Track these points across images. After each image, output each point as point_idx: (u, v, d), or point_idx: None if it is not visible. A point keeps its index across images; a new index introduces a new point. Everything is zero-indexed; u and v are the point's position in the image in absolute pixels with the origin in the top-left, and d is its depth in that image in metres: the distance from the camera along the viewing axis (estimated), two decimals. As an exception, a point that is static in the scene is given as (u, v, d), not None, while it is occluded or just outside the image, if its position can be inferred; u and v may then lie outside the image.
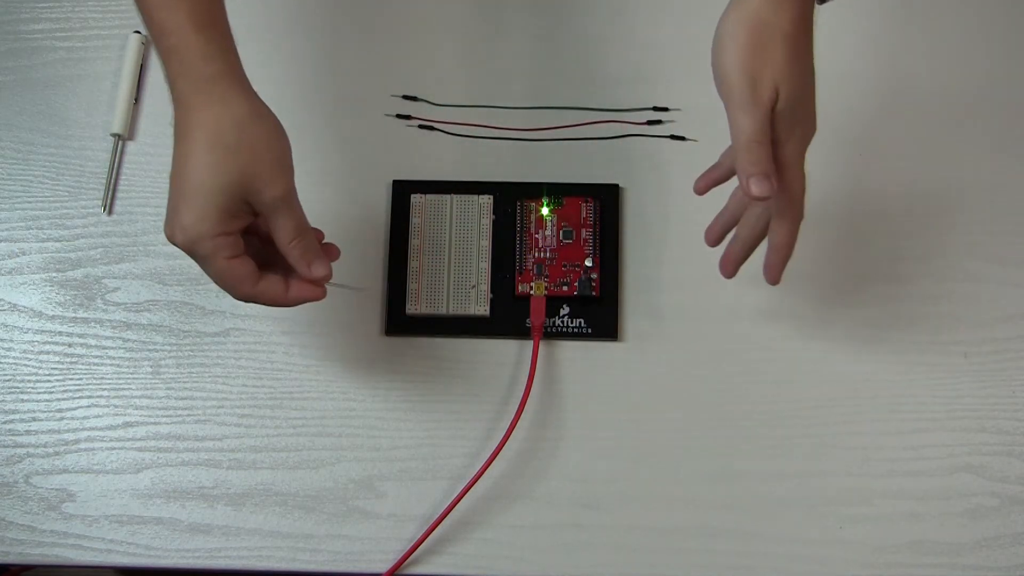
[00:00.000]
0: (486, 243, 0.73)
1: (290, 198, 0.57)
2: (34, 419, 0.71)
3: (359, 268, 0.73)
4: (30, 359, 0.73)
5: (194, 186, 0.55)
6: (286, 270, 0.60)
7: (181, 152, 0.56)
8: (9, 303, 0.74)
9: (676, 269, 0.73)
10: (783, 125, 0.56)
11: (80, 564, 0.69)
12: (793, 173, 0.57)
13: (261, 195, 0.56)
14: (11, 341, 0.73)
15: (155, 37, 0.57)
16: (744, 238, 0.64)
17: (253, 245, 0.59)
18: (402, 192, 0.74)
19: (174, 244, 0.57)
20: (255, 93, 0.58)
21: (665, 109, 0.76)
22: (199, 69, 0.55)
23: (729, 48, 0.55)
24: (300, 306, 0.73)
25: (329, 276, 0.61)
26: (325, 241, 0.63)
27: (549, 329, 0.71)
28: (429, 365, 0.72)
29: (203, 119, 0.55)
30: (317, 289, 0.61)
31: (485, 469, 0.68)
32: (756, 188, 0.55)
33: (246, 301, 0.60)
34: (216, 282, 0.59)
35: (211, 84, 0.56)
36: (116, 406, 0.72)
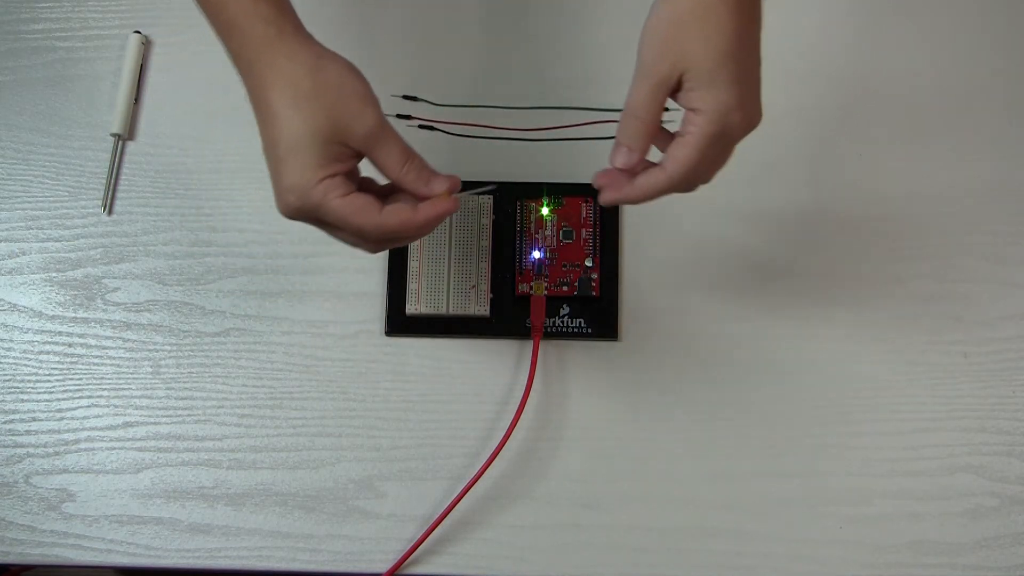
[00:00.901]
0: (486, 243, 0.73)
1: (384, 127, 0.56)
2: (34, 419, 0.71)
3: (359, 268, 0.74)
4: (30, 359, 0.73)
5: (287, 144, 0.54)
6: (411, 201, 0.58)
7: (264, 118, 0.55)
8: (9, 303, 0.74)
9: (676, 269, 0.73)
10: (686, 103, 0.54)
11: (80, 564, 0.69)
12: (683, 153, 0.55)
13: (353, 131, 0.55)
14: (11, 341, 0.73)
15: (212, 16, 0.57)
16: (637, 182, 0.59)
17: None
18: (402, 192, 0.74)
19: (289, 214, 0.56)
20: (318, 42, 0.57)
21: (665, 109, 0.76)
22: (260, 34, 0.55)
23: (649, 18, 0.55)
24: (299, 306, 0.73)
25: (455, 186, 0.58)
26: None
27: (549, 329, 0.71)
28: (429, 365, 0.72)
29: (274, 79, 0.55)
30: (447, 200, 0.57)
31: (485, 469, 0.68)
32: (616, 158, 0.56)
33: (382, 241, 0.58)
34: (343, 235, 0.57)
35: (274, 45, 0.55)
36: (116, 406, 0.72)
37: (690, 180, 0.56)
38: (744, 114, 0.54)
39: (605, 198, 0.58)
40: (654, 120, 0.55)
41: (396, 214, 0.56)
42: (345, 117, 0.55)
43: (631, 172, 0.57)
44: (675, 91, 0.55)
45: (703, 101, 0.54)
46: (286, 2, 0.57)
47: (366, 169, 0.58)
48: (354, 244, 0.58)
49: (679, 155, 0.55)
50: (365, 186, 0.58)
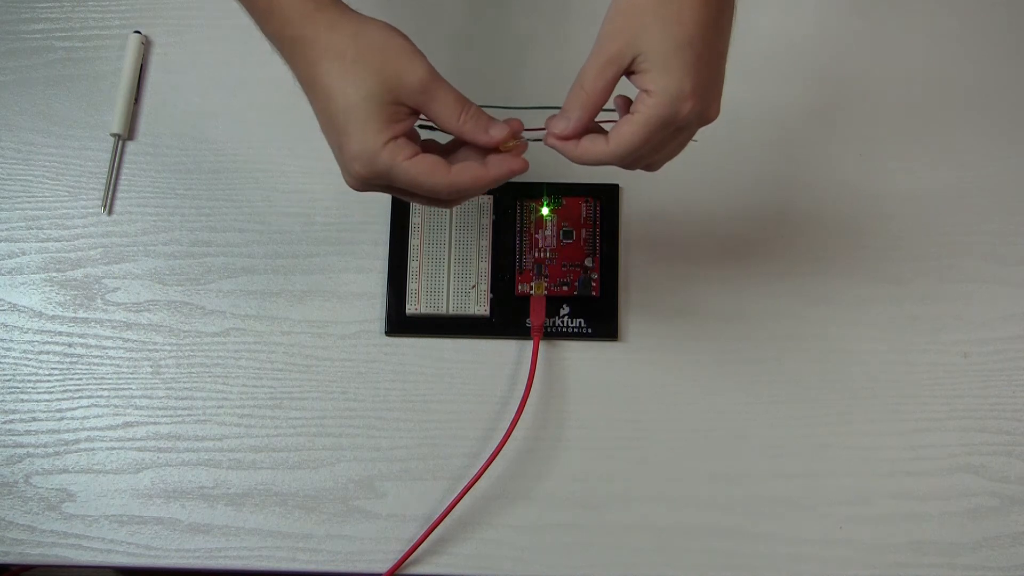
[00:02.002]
0: (486, 243, 0.73)
1: (435, 78, 0.56)
2: (34, 419, 0.71)
3: (359, 268, 0.74)
4: (30, 359, 0.73)
5: (344, 113, 0.54)
6: (475, 157, 0.58)
7: (316, 95, 0.56)
8: (9, 303, 0.74)
9: (676, 269, 0.73)
10: (640, 83, 0.54)
11: (80, 564, 0.69)
12: (628, 130, 0.55)
13: (405, 86, 0.55)
14: (11, 341, 0.73)
15: (248, 2, 0.57)
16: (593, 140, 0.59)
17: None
18: (402, 192, 0.74)
19: (359, 186, 0.56)
20: (354, 10, 0.57)
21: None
22: (301, 9, 0.55)
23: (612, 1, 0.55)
24: (299, 305, 0.73)
25: (515, 132, 0.58)
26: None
27: (549, 329, 0.71)
28: (429, 365, 0.72)
29: (319, 54, 0.55)
30: (516, 160, 0.58)
31: (485, 469, 0.68)
32: (554, 123, 0.57)
33: (453, 198, 0.58)
34: (415, 196, 0.57)
35: (314, 19, 0.55)
36: (116, 406, 0.72)
37: (632, 158, 0.56)
38: (697, 103, 0.54)
39: (548, 140, 0.58)
40: (597, 95, 0.55)
41: (467, 171, 0.56)
42: (395, 75, 0.55)
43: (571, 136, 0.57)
44: (631, 72, 0.55)
45: (654, 83, 0.54)
46: None
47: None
48: (427, 203, 0.59)
49: (624, 131, 0.55)
50: (427, 147, 0.58)
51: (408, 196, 0.58)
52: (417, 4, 0.80)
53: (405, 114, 0.56)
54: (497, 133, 0.57)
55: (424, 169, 0.55)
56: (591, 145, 0.56)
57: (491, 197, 0.73)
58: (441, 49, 0.78)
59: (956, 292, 0.72)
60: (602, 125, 0.57)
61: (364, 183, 0.56)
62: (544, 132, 0.65)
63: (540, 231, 0.73)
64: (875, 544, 0.68)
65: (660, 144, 0.56)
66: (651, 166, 0.59)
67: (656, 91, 0.54)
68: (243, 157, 0.76)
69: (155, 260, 0.74)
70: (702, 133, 0.75)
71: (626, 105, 0.57)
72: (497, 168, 0.57)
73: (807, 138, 0.76)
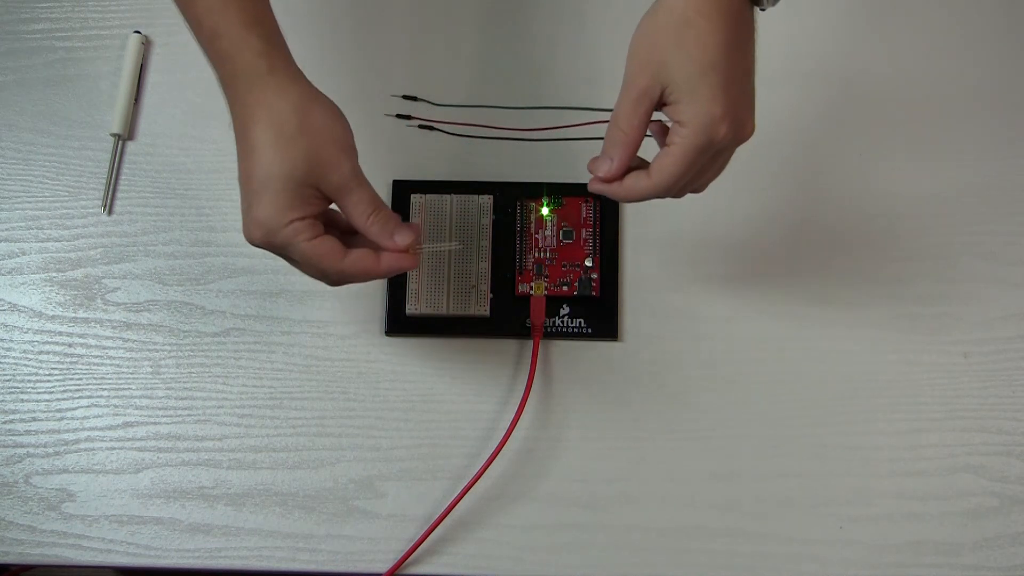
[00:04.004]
0: (486, 243, 0.73)
1: (357, 176, 0.57)
2: (34, 419, 0.71)
3: (359, 268, 0.74)
4: (30, 359, 0.73)
5: (262, 180, 0.55)
6: (375, 247, 0.59)
7: (244, 150, 0.56)
8: (9, 303, 0.74)
9: (675, 269, 0.73)
10: (672, 115, 0.55)
11: (80, 564, 0.69)
12: (667, 163, 0.55)
13: (328, 178, 0.56)
14: (11, 341, 0.73)
15: (205, 42, 0.58)
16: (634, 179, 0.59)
17: (335, 237, 0.58)
18: (402, 192, 0.74)
19: (254, 244, 0.57)
20: (308, 81, 0.58)
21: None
22: (252, 67, 0.56)
23: (635, 32, 0.55)
24: (299, 305, 0.73)
25: (415, 242, 0.59)
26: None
27: (549, 329, 0.71)
28: (429, 365, 0.72)
29: (261, 114, 0.56)
30: (409, 257, 0.59)
31: (485, 469, 0.68)
32: (598, 166, 0.57)
33: (340, 282, 0.59)
34: (305, 270, 0.58)
35: (265, 79, 0.56)
36: (116, 406, 0.72)
37: (676, 189, 0.57)
38: (731, 125, 0.54)
39: (593, 186, 0.59)
40: (635, 132, 0.56)
41: (358, 262, 0.58)
42: (322, 164, 0.56)
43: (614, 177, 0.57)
44: (663, 104, 0.55)
45: (686, 114, 0.54)
46: (278, 36, 0.58)
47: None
48: (313, 278, 0.59)
49: (664, 165, 0.56)
50: (333, 220, 0.60)
51: (298, 267, 0.59)
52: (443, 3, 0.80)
53: (318, 199, 0.57)
54: (401, 240, 0.58)
55: (319, 253, 0.57)
56: (634, 183, 0.57)
57: (491, 197, 0.73)
58: (466, 48, 0.79)
59: (956, 292, 0.72)
60: (642, 158, 0.58)
61: (260, 244, 0.57)
62: (455, 245, 0.70)
63: (540, 231, 0.73)
64: (875, 544, 0.68)
65: (702, 170, 0.57)
66: (697, 190, 0.59)
67: (688, 120, 0.54)
68: (243, 157, 0.76)
69: (155, 260, 0.74)
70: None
71: (662, 131, 0.57)
72: (388, 264, 0.59)
73: (807, 138, 0.76)
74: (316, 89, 0.58)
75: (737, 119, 0.55)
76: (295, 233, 0.56)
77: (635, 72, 0.55)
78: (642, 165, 0.58)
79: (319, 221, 0.57)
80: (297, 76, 0.57)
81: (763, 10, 0.57)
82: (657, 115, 0.56)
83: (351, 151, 0.57)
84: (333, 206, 0.59)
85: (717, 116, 0.54)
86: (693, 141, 0.54)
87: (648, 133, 0.57)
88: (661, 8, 0.55)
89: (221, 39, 0.56)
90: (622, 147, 0.56)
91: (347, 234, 0.60)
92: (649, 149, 0.57)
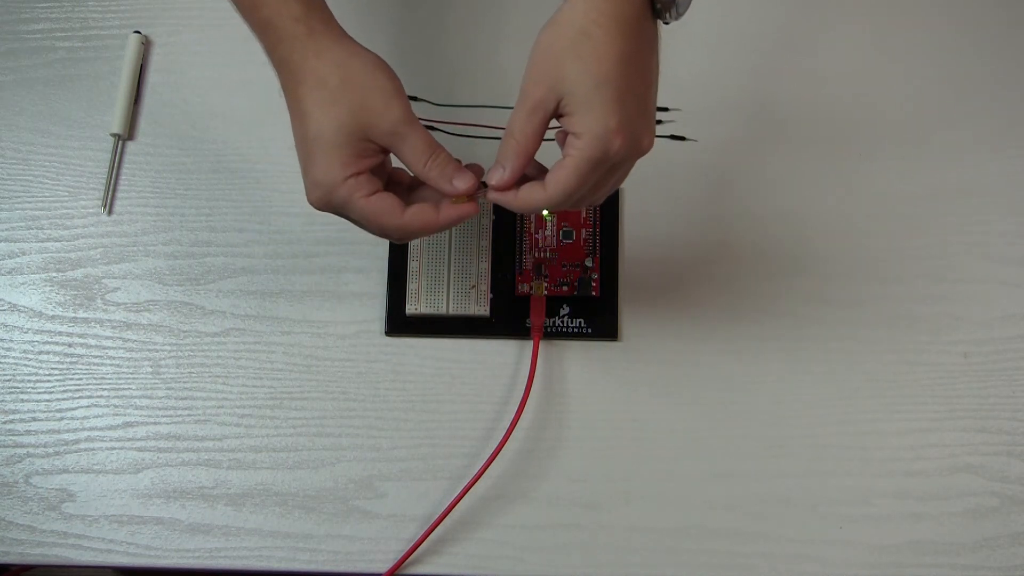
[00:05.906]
0: (486, 243, 0.73)
1: (409, 122, 0.56)
2: (34, 419, 0.71)
3: (359, 268, 0.74)
4: (30, 359, 0.73)
5: (313, 140, 0.55)
6: (437, 197, 0.59)
7: (295, 116, 0.57)
8: (9, 303, 0.74)
9: (676, 269, 0.73)
10: (567, 127, 0.54)
11: (80, 564, 0.69)
12: (562, 175, 0.55)
13: (378, 126, 0.56)
14: (11, 341, 0.73)
15: (246, 14, 0.58)
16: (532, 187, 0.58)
17: (399, 195, 0.58)
18: (402, 192, 0.74)
19: (317, 207, 0.57)
20: (351, 39, 0.58)
21: (665, 109, 0.76)
22: (292, 32, 0.56)
23: (536, 40, 0.55)
24: (299, 305, 0.73)
25: (475, 186, 0.58)
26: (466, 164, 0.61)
27: (549, 329, 0.71)
28: (429, 365, 0.72)
29: (304, 77, 0.56)
30: (468, 205, 0.58)
31: (485, 469, 0.68)
32: (491, 175, 0.57)
33: (404, 239, 0.59)
34: (368, 228, 0.58)
35: (305, 43, 0.56)
36: (116, 406, 0.72)
37: (572, 201, 0.56)
38: (626, 139, 0.53)
39: (489, 195, 0.58)
40: (528, 142, 0.55)
41: (418, 216, 0.57)
42: (370, 114, 0.56)
43: (508, 186, 0.57)
44: (560, 115, 0.54)
45: (580, 126, 0.53)
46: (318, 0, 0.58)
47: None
48: (377, 235, 0.59)
49: (558, 177, 0.55)
50: (395, 177, 0.60)
51: (360, 226, 0.59)
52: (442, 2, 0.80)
53: (373, 151, 0.56)
54: (461, 184, 0.57)
55: (377, 209, 0.56)
56: (529, 194, 0.56)
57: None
58: (466, 48, 0.79)
59: (956, 292, 0.72)
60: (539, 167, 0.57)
61: (322, 206, 0.57)
62: None
63: (540, 231, 0.73)
64: (875, 544, 0.68)
65: (598, 183, 0.56)
66: (595, 202, 0.59)
67: (582, 133, 0.53)
68: (243, 157, 0.76)
69: (155, 260, 0.74)
70: (702, 134, 0.76)
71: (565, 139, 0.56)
72: (448, 215, 0.58)
73: (807, 138, 0.76)
74: (358, 45, 0.58)
75: (633, 133, 0.54)
76: (352, 190, 0.56)
77: (531, 82, 0.54)
78: (541, 173, 0.57)
79: (377, 178, 0.57)
80: (339, 36, 0.58)
81: (666, 23, 0.56)
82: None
83: (399, 97, 0.57)
84: (397, 164, 0.58)
85: (612, 129, 0.53)
86: (587, 154, 0.53)
87: (554, 140, 0.56)
88: (561, 18, 0.54)
89: (261, 8, 0.57)
90: (514, 157, 0.56)
91: (412, 190, 0.60)
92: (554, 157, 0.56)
